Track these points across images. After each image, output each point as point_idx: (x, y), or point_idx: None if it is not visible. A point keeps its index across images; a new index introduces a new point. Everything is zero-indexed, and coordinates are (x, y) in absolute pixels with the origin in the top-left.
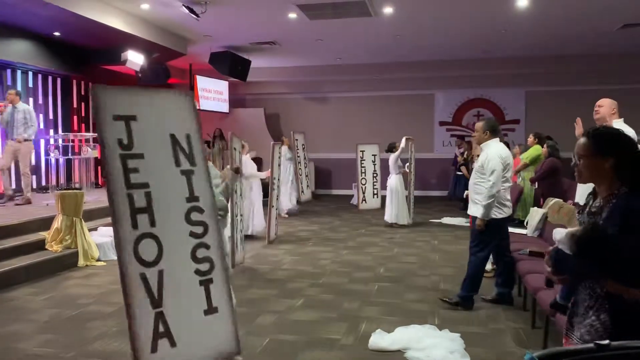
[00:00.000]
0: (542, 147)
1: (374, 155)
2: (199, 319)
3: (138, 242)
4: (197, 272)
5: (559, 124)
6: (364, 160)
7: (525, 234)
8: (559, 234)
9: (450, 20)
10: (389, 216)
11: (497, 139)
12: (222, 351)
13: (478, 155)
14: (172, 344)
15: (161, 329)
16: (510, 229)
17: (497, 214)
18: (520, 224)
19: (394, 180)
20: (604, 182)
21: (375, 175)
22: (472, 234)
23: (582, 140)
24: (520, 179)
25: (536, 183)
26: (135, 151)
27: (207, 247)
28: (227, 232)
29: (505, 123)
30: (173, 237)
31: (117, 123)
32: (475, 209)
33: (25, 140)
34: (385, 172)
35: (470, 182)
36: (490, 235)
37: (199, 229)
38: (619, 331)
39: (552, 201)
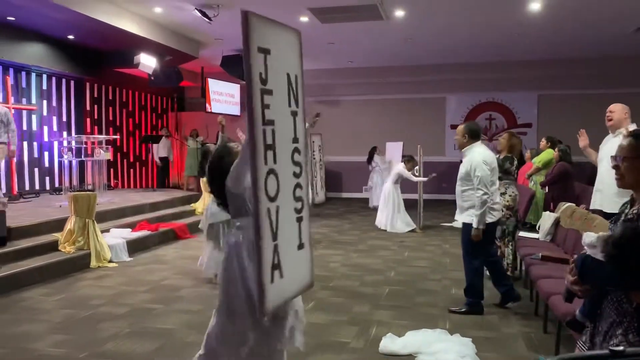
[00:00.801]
0: (554, 151)
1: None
2: (294, 254)
3: (266, 177)
4: (295, 209)
5: (571, 127)
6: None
7: (537, 239)
8: (589, 237)
9: (462, 23)
10: (378, 221)
11: (479, 142)
12: (306, 283)
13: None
14: (281, 275)
15: (275, 260)
16: (522, 234)
17: (488, 218)
18: (532, 228)
19: (389, 187)
20: None
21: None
22: (463, 242)
23: (627, 141)
24: (532, 183)
25: (546, 187)
26: (269, 87)
27: (300, 187)
28: None
29: (517, 127)
30: (284, 175)
31: (259, 56)
32: (464, 216)
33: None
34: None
35: (456, 189)
36: (482, 241)
37: (297, 169)
38: None
39: (565, 205)
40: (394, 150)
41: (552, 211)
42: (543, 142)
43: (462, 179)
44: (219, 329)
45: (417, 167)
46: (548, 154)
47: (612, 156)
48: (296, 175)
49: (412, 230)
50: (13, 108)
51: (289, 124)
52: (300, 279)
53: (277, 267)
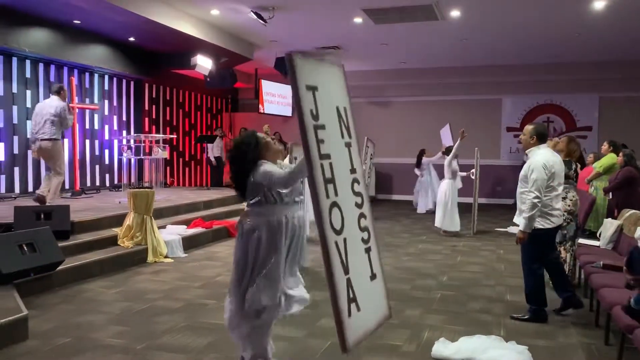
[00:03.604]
0: (617, 155)
1: None
2: (367, 285)
3: (330, 210)
4: (362, 240)
5: (635, 131)
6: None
7: (598, 246)
8: (639, 232)
9: (520, 24)
10: (437, 221)
11: (545, 145)
12: (383, 315)
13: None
14: (358, 308)
15: (350, 294)
16: (582, 240)
17: (545, 224)
18: (592, 235)
19: (444, 185)
20: None
21: None
22: (523, 249)
23: None
24: (593, 188)
25: (610, 193)
26: (321, 122)
27: (365, 217)
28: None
29: (576, 130)
30: (347, 206)
31: (308, 94)
32: (521, 219)
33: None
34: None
35: (517, 191)
36: (540, 247)
37: (359, 199)
38: None
39: (629, 212)
40: (445, 135)
41: (616, 218)
42: (605, 146)
43: (521, 181)
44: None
45: (473, 170)
46: (610, 158)
47: None
48: (358, 206)
49: (455, 234)
50: (77, 107)
51: (344, 156)
52: (377, 310)
53: (353, 301)
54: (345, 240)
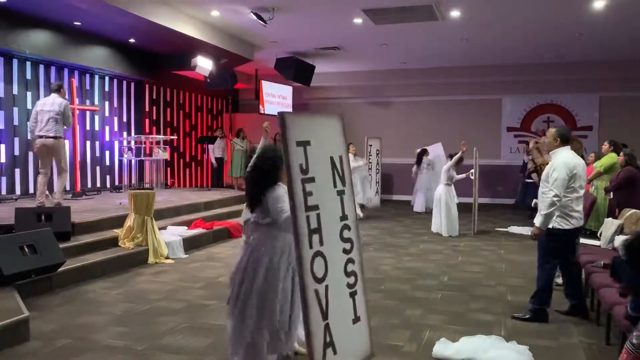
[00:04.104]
0: (618, 155)
1: None
2: (349, 328)
3: (313, 260)
4: (348, 285)
5: (635, 131)
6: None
7: (599, 246)
8: (618, 240)
9: (520, 23)
10: (433, 226)
11: (568, 147)
12: (364, 355)
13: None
14: (335, 352)
15: (328, 339)
16: (582, 240)
17: (564, 224)
18: (592, 235)
19: (440, 190)
20: None
21: None
22: (539, 246)
23: None
24: (593, 188)
25: (611, 193)
26: (310, 175)
27: (353, 262)
28: None
29: (576, 130)
30: (333, 254)
31: (298, 149)
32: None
33: None
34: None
35: (539, 191)
36: (557, 247)
37: (348, 245)
38: None
39: (630, 212)
40: (436, 152)
41: (616, 217)
42: (605, 145)
43: (543, 181)
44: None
45: (472, 171)
46: (610, 158)
47: None
48: (346, 252)
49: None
50: (78, 109)
51: (335, 204)
52: (358, 352)
53: (329, 345)
54: (327, 287)
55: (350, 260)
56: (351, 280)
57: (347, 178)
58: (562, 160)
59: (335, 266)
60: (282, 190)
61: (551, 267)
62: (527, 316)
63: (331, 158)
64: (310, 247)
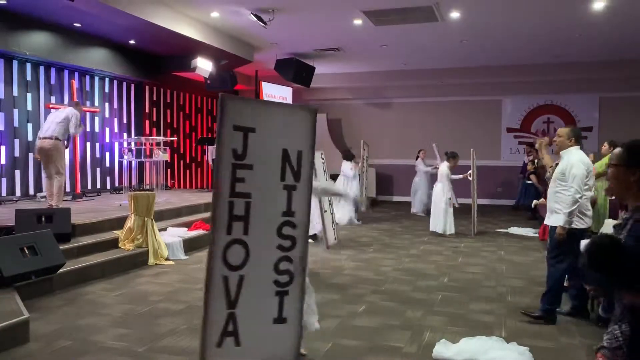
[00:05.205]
0: None
1: None
2: (267, 326)
3: (228, 246)
4: (276, 282)
5: (635, 131)
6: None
7: None
8: (583, 243)
9: (520, 24)
10: (431, 225)
11: (578, 147)
12: (281, 359)
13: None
14: (237, 343)
15: (230, 327)
16: (583, 241)
17: (578, 223)
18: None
19: (437, 188)
20: (630, 194)
21: None
22: (550, 245)
23: (617, 150)
24: (593, 188)
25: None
26: (246, 162)
27: (290, 260)
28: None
29: None
30: (260, 246)
31: (235, 133)
32: (555, 219)
33: None
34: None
35: (550, 190)
36: (571, 246)
37: (287, 243)
38: (636, 342)
39: None
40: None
41: (617, 218)
42: (605, 146)
43: (557, 179)
44: None
45: (470, 172)
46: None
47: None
48: (283, 249)
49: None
50: None
51: (279, 198)
52: (273, 353)
53: (232, 334)
54: (242, 277)
55: (287, 258)
56: (282, 278)
57: (303, 174)
58: (578, 157)
59: (260, 259)
60: None
61: (564, 267)
62: (536, 314)
63: (284, 150)
64: (229, 233)
